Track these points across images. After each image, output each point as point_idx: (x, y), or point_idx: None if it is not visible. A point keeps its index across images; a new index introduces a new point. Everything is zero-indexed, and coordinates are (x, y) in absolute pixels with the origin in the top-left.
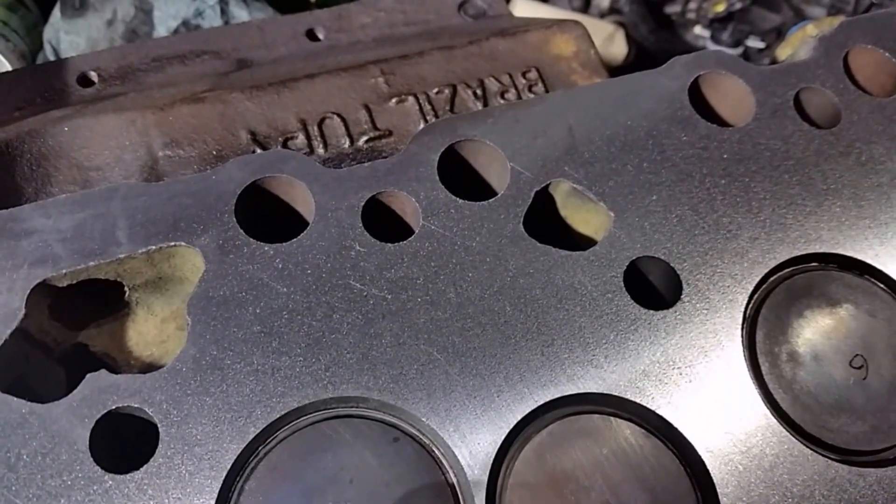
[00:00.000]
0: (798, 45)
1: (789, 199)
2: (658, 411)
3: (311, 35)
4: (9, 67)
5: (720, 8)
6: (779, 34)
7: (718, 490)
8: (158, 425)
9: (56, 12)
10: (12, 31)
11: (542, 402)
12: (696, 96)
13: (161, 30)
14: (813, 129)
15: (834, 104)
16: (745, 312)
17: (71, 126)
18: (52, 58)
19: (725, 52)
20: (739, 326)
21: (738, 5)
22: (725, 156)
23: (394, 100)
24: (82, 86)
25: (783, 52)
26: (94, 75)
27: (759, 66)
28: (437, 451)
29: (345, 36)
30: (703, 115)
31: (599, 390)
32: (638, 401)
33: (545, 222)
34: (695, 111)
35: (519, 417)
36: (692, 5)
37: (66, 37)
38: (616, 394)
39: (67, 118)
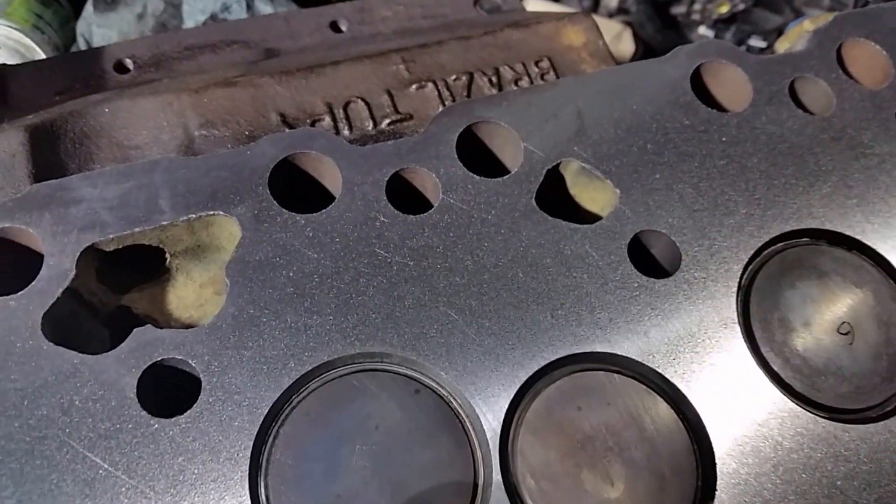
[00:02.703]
0: (795, 39)
1: (783, 180)
2: (658, 370)
3: (334, 27)
4: (43, 56)
5: (724, 9)
6: (779, 34)
7: (713, 441)
8: (200, 375)
9: (89, 7)
10: (46, 24)
11: (551, 360)
12: (698, 83)
13: (189, 23)
14: (807, 115)
15: (827, 92)
16: (740, 282)
17: (111, 108)
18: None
19: (726, 42)
20: (735, 295)
21: (741, 6)
22: (724, 139)
23: (414, 86)
24: (118, 72)
25: (781, 45)
26: (129, 62)
27: (756, 56)
28: (454, 403)
29: (366, 28)
30: (703, 101)
31: (604, 350)
32: (639, 360)
33: (555, 200)
34: (696, 97)
35: (530, 373)
36: (697, 6)
37: (99, 30)
38: (619, 353)
39: (107, 100)
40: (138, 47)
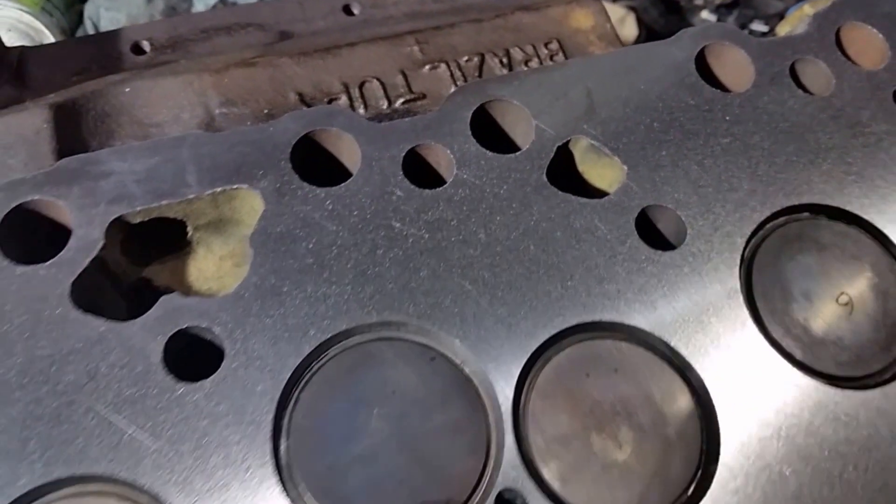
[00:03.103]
0: (796, 23)
1: (785, 157)
2: (664, 338)
3: (347, 10)
4: (52, 40)
5: None
6: (780, 18)
7: (717, 406)
8: (224, 341)
9: None
10: (55, 8)
11: (561, 329)
12: (702, 65)
13: (199, 7)
14: (807, 95)
15: (826, 73)
16: (743, 255)
17: (132, 87)
18: (92, 33)
19: (729, 25)
20: (738, 267)
21: None
22: (728, 118)
23: (427, 66)
24: (135, 54)
25: (782, 29)
26: (146, 44)
27: (758, 38)
28: (468, 369)
29: (378, 11)
30: (707, 81)
31: (612, 319)
32: (646, 329)
33: (564, 176)
34: (700, 78)
35: (541, 341)
36: None
37: (107, 13)
38: (627, 322)
39: (128, 80)
40: (155, 29)
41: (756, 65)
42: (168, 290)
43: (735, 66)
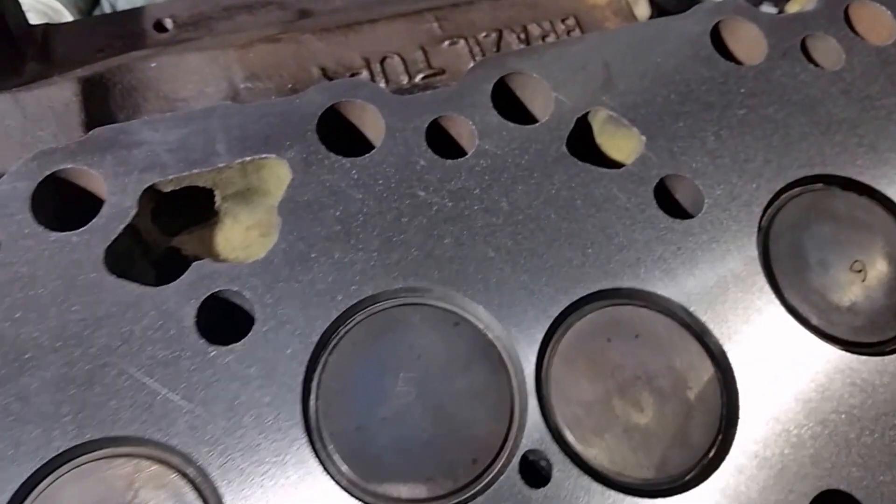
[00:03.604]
0: (805, 2)
1: (798, 129)
2: (683, 304)
3: None
4: (70, 19)
5: None
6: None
7: (736, 371)
8: (255, 305)
9: None
10: None
11: (582, 295)
12: (716, 39)
13: None
14: (818, 69)
15: (836, 49)
16: (759, 223)
17: (158, 62)
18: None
19: (742, 1)
20: (755, 235)
21: None
22: (742, 90)
23: (446, 42)
24: (158, 31)
25: (792, 7)
26: (169, 22)
27: (770, 14)
28: (492, 334)
29: None
30: (721, 55)
31: (633, 286)
32: (666, 295)
33: (582, 149)
34: (715, 51)
35: (563, 307)
36: None
37: None
38: (647, 289)
39: (153, 56)
40: (177, 7)
41: (768, 39)
42: (196, 259)
43: (748, 41)
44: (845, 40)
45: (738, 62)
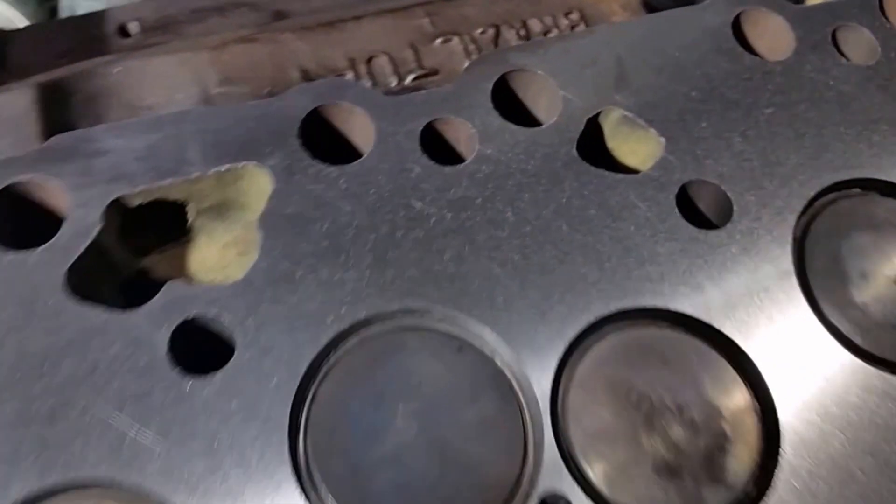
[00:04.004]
0: None
1: (832, 128)
2: (714, 324)
3: None
4: None
5: None
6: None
7: (775, 399)
8: (235, 331)
9: None
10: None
11: (601, 315)
12: (737, 32)
13: None
14: (851, 63)
15: (870, 41)
16: (794, 232)
17: (123, 67)
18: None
19: None
20: (790, 245)
21: None
22: (769, 87)
23: (439, 40)
24: (122, 36)
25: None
26: (134, 26)
27: (796, 5)
28: (499, 360)
29: None
30: (744, 49)
31: (656, 305)
32: (694, 315)
33: (592, 155)
34: (738, 45)
35: (579, 329)
36: None
37: (85, 2)
38: (672, 308)
39: (118, 61)
40: (143, 10)
41: (796, 32)
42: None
43: (772, 34)
44: (880, 31)
45: (760, 57)
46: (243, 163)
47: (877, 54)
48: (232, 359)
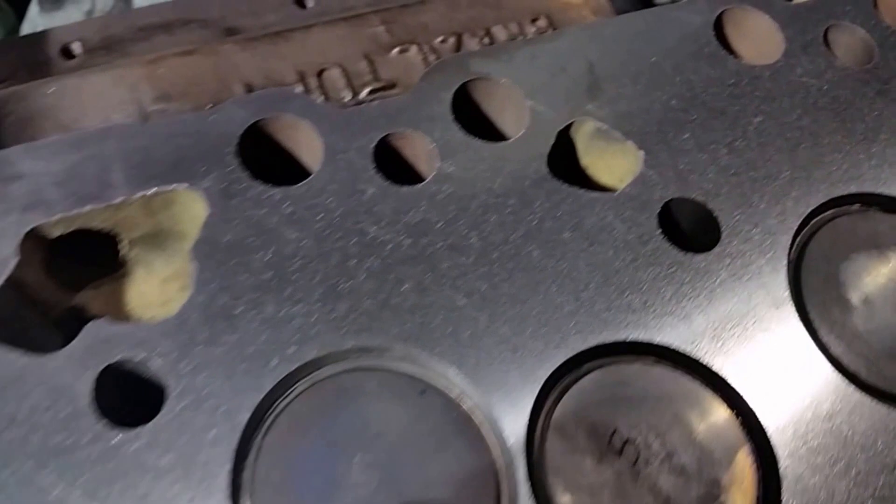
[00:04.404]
0: None
1: (827, 138)
2: (704, 359)
3: (298, 2)
4: None
5: None
6: None
7: (773, 439)
8: (167, 377)
9: (33, 7)
10: None
11: (578, 350)
12: (719, 33)
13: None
14: (846, 66)
15: (866, 41)
16: (789, 255)
17: (57, 87)
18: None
19: None
20: (785, 269)
21: None
22: (758, 93)
23: (396, 49)
24: (66, 58)
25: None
26: (77, 46)
27: (784, 2)
28: (467, 404)
29: (335, 2)
30: (729, 52)
31: (639, 338)
32: (681, 348)
33: (565, 174)
34: (721, 47)
35: (555, 366)
36: None
37: (42, 21)
38: (657, 341)
39: (52, 81)
40: (86, 30)
41: (785, 32)
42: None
43: (758, 36)
44: (876, 31)
45: (746, 60)
46: (173, 185)
47: (875, 56)
48: (163, 408)
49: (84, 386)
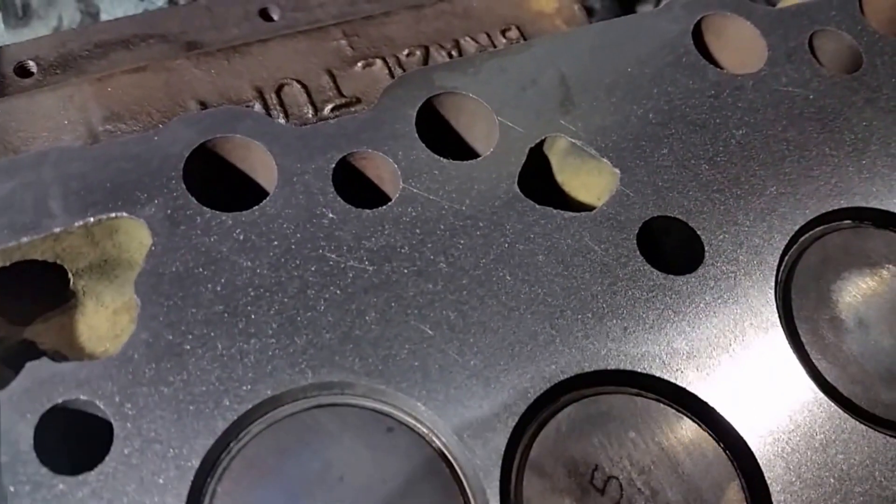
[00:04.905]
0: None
1: (815, 150)
2: (689, 388)
3: (264, 15)
4: None
5: None
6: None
7: (765, 473)
8: (111, 420)
9: None
10: None
11: (555, 382)
12: (698, 42)
13: None
14: (833, 74)
15: (852, 47)
16: (777, 275)
17: (4, 108)
18: None
19: None
20: (773, 290)
21: None
22: (740, 104)
23: (360, 63)
24: (20, 76)
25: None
26: (32, 65)
27: (766, 7)
28: (437, 442)
29: (302, 15)
30: (708, 61)
31: (620, 367)
32: (665, 377)
33: (540, 192)
34: (701, 56)
35: (531, 400)
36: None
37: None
38: (639, 370)
39: (0, 102)
40: (42, 47)
41: (767, 39)
42: (57, 354)
43: (739, 43)
44: (863, 36)
45: (727, 70)
46: (113, 213)
47: (861, 62)
48: (109, 453)
49: (25, 430)
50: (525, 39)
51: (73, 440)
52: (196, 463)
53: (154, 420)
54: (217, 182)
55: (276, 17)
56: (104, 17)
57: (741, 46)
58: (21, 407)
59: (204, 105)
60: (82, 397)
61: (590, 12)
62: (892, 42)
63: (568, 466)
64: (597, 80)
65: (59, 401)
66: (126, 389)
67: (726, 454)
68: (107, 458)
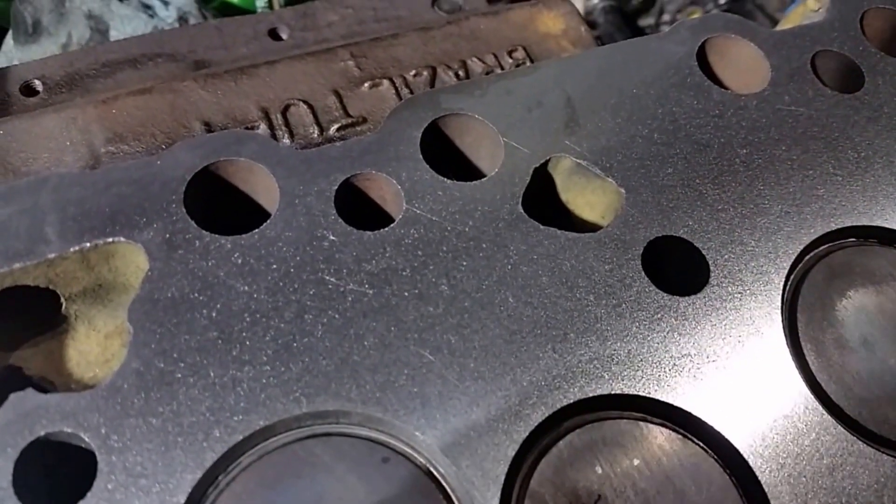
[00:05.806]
0: (800, 20)
1: (819, 169)
2: (694, 412)
3: (273, 35)
4: None
5: (696, 16)
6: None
7: (771, 499)
8: (96, 453)
9: (8, 40)
10: None
11: (558, 408)
12: (702, 63)
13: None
14: (836, 93)
15: (854, 67)
16: (783, 295)
17: (6, 129)
18: None
19: (733, 15)
20: (778, 310)
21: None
22: (744, 123)
23: (367, 84)
24: (26, 95)
25: (788, 21)
26: (38, 84)
27: (769, 29)
28: (436, 472)
29: (311, 35)
30: (713, 82)
31: (624, 391)
32: (670, 401)
33: (544, 210)
34: (706, 77)
35: (532, 426)
36: (666, 17)
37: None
38: (644, 394)
39: (3, 122)
40: (49, 66)
41: (770, 60)
42: (44, 381)
43: (743, 64)
44: (865, 56)
45: (731, 90)
46: (110, 238)
47: (862, 82)
48: (92, 488)
49: (4, 465)
50: (532, 60)
51: (56, 472)
52: (182, 499)
53: (140, 453)
54: (221, 204)
55: (284, 37)
56: (114, 34)
57: (745, 67)
58: (2, 440)
59: (209, 126)
60: (66, 430)
61: (592, 25)
62: (892, 62)
63: (569, 497)
64: (602, 101)
65: (42, 434)
66: (113, 421)
67: (732, 481)
68: (88, 495)
